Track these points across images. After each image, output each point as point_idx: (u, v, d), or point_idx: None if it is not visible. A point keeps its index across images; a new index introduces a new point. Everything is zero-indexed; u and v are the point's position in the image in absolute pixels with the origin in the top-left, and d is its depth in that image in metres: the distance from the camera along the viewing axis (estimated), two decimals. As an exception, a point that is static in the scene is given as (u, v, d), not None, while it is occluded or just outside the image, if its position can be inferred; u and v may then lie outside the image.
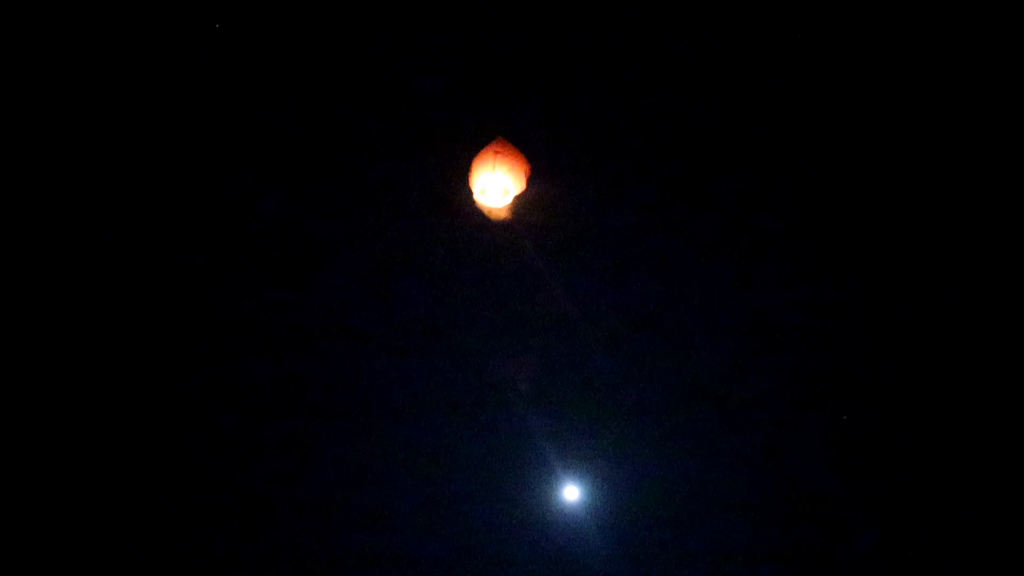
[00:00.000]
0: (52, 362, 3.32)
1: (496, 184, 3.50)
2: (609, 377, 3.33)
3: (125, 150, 3.61)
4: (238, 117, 3.67)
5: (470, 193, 3.56)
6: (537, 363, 3.35)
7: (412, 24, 3.77)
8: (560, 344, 3.38)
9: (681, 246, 3.51)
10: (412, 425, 3.29)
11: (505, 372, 3.34)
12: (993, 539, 3.09)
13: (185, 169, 3.62)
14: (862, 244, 3.46)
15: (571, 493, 3.21)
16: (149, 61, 3.68)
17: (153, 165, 3.61)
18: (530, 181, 3.57)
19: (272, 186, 3.59)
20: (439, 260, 3.50)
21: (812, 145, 3.62)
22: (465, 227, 3.56)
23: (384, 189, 3.59)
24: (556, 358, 3.36)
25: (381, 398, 3.32)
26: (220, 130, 3.66)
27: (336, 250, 3.51)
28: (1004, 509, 3.12)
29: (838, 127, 3.63)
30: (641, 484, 3.20)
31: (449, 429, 3.28)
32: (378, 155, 3.64)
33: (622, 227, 3.54)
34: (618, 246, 3.51)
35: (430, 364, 3.36)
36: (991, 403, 3.23)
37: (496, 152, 3.49)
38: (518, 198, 3.58)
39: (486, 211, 3.58)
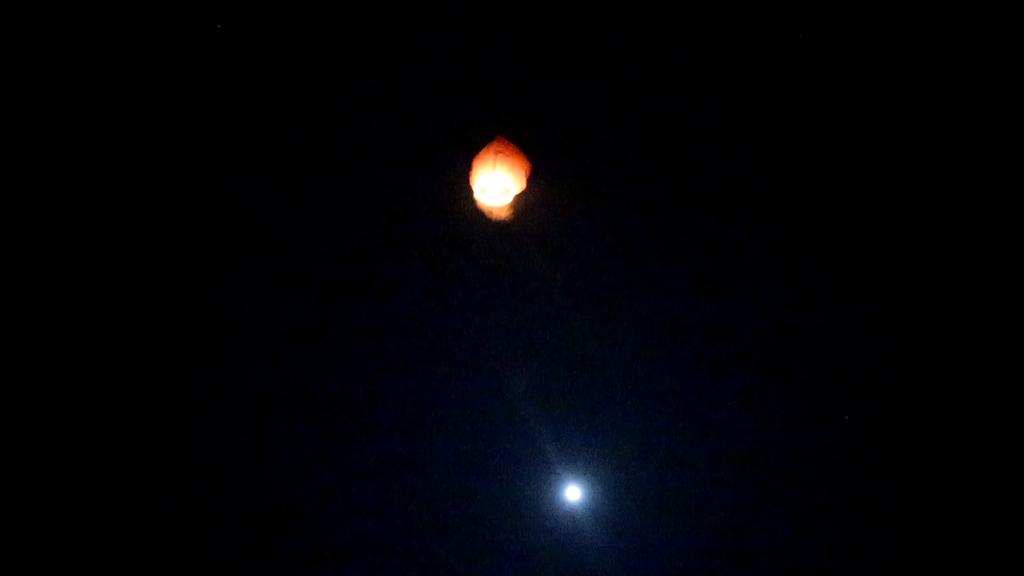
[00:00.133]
0: (52, 362, 3.32)
1: (497, 183, 3.50)
2: (611, 377, 3.32)
3: (125, 150, 3.62)
4: (238, 117, 3.67)
5: (471, 192, 3.56)
6: (538, 362, 3.35)
7: (412, 24, 3.77)
8: (561, 343, 3.37)
9: (683, 245, 3.51)
10: (412, 424, 3.28)
11: (506, 371, 3.33)
12: (993, 539, 3.09)
13: (185, 169, 3.62)
14: (863, 249, 3.46)
15: (573, 493, 3.21)
16: (149, 61, 3.68)
17: (153, 165, 3.61)
18: (531, 180, 3.58)
19: (272, 186, 3.59)
20: (439, 259, 3.49)
21: (814, 146, 3.62)
22: (465, 226, 3.56)
23: (384, 188, 3.59)
24: (557, 357, 3.36)
25: (381, 397, 3.32)
26: (220, 130, 3.66)
27: (336, 250, 3.51)
28: (1004, 510, 3.11)
29: (840, 128, 3.63)
30: (643, 483, 3.20)
31: (449, 428, 3.27)
32: (378, 154, 3.64)
33: (623, 226, 3.54)
34: (619, 245, 3.51)
35: (430, 364, 3.36)
36: (992, 406, 3.23)
37: (497, 151, 3.49)
38: (519, 197, 3.58)
39: (486, 210, 3.58)
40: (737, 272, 3.46)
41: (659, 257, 3.51)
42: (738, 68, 3.73)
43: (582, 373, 3.33)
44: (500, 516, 3.16)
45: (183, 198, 3.58)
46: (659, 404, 3.29)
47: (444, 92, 3.73)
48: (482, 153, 3.53)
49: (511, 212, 3.58)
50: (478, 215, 3.57)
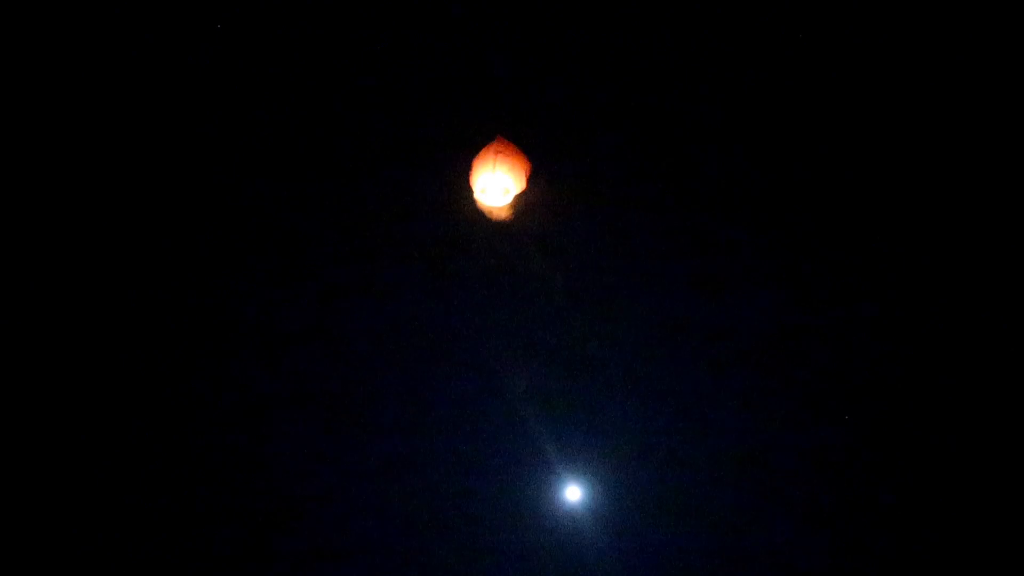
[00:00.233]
0: (52, 362, 3.32)
1: (497, 183, 3.50)
2: (610, 376, 3.32)
3: (125, 150, 3.62)
4: (238, 117, 3.67)
5: (471, 192, 3.56)
6: (538, 362, 3.35)
7: (412, 24, 3.77)
8: (561, 343, 3.37)
9: (682, 245, 3.51)
10: (412, 424, 3.28)
11: (506, 371, 3.33)
12: (993, 539, 3.09)
13: (185, 169, 3.62)
14: (863, 249, 3.46)
15: (573, 493, 3.20)
16: (149, 61, 3.68)
17: (153, 165, 3.61)
18: (531, 180, 3.58)
19: (272, 186, 3.59)
20: (439, 259, 3.49)
21: (814, 146, 3.62)
22: (465, 226, 3.56)
23: (384, 188, 3.59)
24: (557, 357, 3.36)
25: (381, 397, 3.32)
26: (220, 130, 3.66)
27: (336, 250, 3.51)
28: (1004, 510, 3.11)
29: (840, 128, 3.63)
30: (643, 483, 3.20)
31: (449, 428, 3.27)
32: (378, 154, 3.64)
33: (623, 226, 3.54)
34: (619, 245, 3.51)
35: (430, 363, 3.36)
36: (992, 406, 3.23)
37: (497, 151, 3.49)
38: (519, 197, 3.58)
39: (487, 210, 3.58)
40: (737, 272, 3.46)
41: (659, 257, 3.51)
42: (738, 68, 3.73)
43: (582, 373, 3.33)
44: (500, 516, 3.16)
45: (183, 198, 3.58)
46: (659, 404, 3.29)
47: (444, 92, 3.73)
48: (482, 153, 3.53)
49: (511, 212, 3.58)
50: (478, 215, 3.57)
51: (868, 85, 3.67)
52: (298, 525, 3.15)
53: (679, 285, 3.45)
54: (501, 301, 3.44)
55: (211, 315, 3.42)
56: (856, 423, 3.25)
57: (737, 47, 3.75)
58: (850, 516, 3.14)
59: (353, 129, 3.67)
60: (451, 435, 3.27)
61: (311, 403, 3.31)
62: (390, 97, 3.71)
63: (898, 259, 3.43)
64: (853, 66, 3.69)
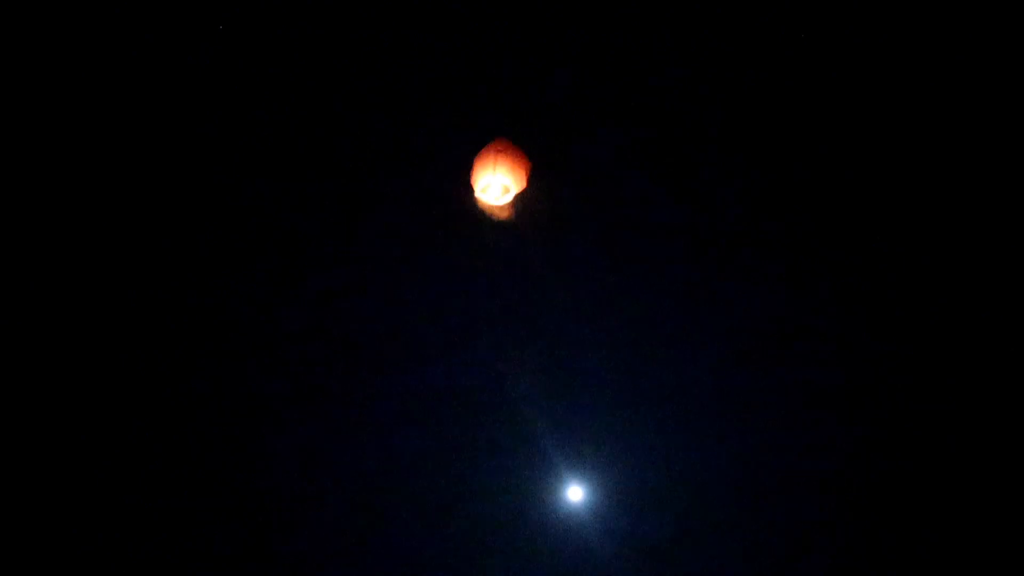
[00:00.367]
0: (52, 362, 3.31)
1: (497, 182, 3.50)
2: (610, 374, 3.32)
3: (126, 150, 3.61)
4: (238, 117, 3.67)
5: (471, 191, 3.56)
6: (538, 360, 3.35)
7: (412, 24, 3.77)
8: (561, 342, 3.37)
9: (682, 244, 3.52)
10: (412, 424, 3.28)
11: (506, 370, 3.33)
12: (993, 539, 3.09)
13: (185, 169, 3.62)
14: (864, 248, 3.46)
15: (575, 493, 3.20)
16: (149, 61, 3.68)
17: (154, 165, 3.61)
18: (531, 179, 3.58)
19: (272, 186, 3.59)
20: (439, 258, 3.50)
21: (814, 146, 3.62)
22: (466, 225, 3.56)
23: (384, 187, 3.59)
24: (557, 356, 3.36)
25: (380, 397, 3.31)
26: (220, 130, 3.66)
27: (336, 249, 3.51)
28: (1005, 509, 3.11)
29: (840, 128, 3.64)
30: (644, 481, 3.19)
31: (449, 428, 3.27)
32: (378, 153, 3.64)
33: (623, 226, 3.54)
34: (618, 244, 3.51)
35: (430, 362, 3.36)
36: (993, 405, 3.23)
37: (497, 151, 3.49)
38: (519, 196, 3.58)
39: (487, 209, 3.58)
40: (737, 271, 3.46)
41: (658, 256, 3.51)
42: (738, 68, 3.74)
43: (582, 371, 3.33)
44: (500, 516, 3.16)
45: (183, 198, 3.58)
46: (659, 403, 3.29)
47: (445, 92, 3.73)
48: (483, 152, 3.53)
49: (511, 211, 3.58)
50: (478, 214, 3.58)
51: (868, 85, 3.67)
52: (297, 524, 3.15)
53: (679, 284, 3.46)
54: (501, 299, 3.44)
55: (211, 315, 3.41)
56: (856, 422, 3.25)
57: (737, 47, 3.76)
58: (851, 515, 3.14)
59: (353, 129, 3.67)
60: (451, 434, 3.27)
61: (310, 403, 3.31)
62: (390, 97, 3.71)
63: (898, 259, 3.44)
64: (853, 66, 3.69)
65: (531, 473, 3.22)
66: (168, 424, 3.26)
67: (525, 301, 3.43)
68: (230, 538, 3.12)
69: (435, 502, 3.18)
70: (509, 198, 3.57)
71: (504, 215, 3.58)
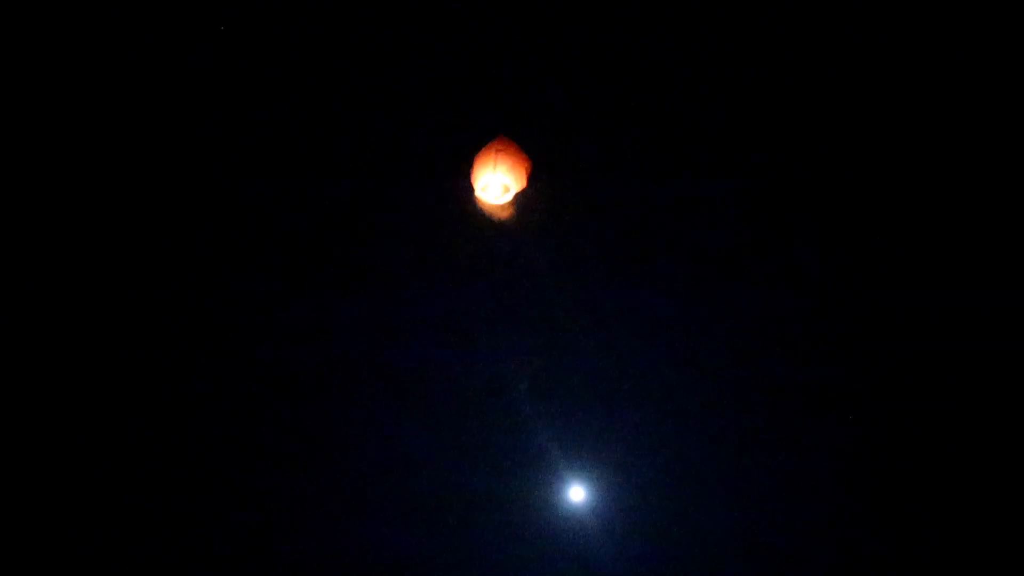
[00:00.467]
0: (52, 362, 3.31)
1: (497, 181, 3.50)
2: (610, 374, 3.32)
3: (126, 150, 3.62)
4: (238, 117, 3.67)
5: (471, 190, 3.56)
6: (538, 361, 3.34)
7: (412, 24, 3.78)
8: (560, 341, 3.37)
9: (682, 244, 3.51)
10: (412, 423, 3.28)
11: (506, 370, 3.33)
12: (993, 539, 3.08)
13: (185, 169, 3.62)
14: (864, 248, 3.46)
15: (576, 493, 3.20)
16: (149, 61, 3.68)
17: (154, 165, 3.61)
18: (531, 178, 3.58)
19: (272, 186, 3.59)
20: (439, 257, 3.49)
21: (814, 145, 3.62)
22: (465, 224, 3.56)
23: (385, 186, 3.59)
24: (556, 355, 3.35)
25: (380, 396, 3.31)
26: (220, 130, 3.66)
27: (336, 249, 3.51)
28: (1005, 509, 3.11)
29: (840, 128, 3.64)
30: (645, 482, 3.19)
31: (449, 427, 3.27)
32: (378, 153, 3.64)
33: (623, 225, 3.54)
34: (618, 244, 3.51)
35: (430, 362, 3.35)
36: (994, 405, 3.23)
37: (497, 150, 3.49)
38: (519, 195, 3.58)
39: (486, 208, 3.58)
40: (738, 270, 3.46)
41: (659, 256, 3.51)
42: (738, 68, 3.74)
43: (582, 371, 3.33)
44: (501, 516, 3.15)
45: (183, 198, 3.58)
46: (660, 403, 3.28)
47: (445, 91, 3.73)
48: (483, 151, 3.53)
49: (511, 210, 3.58)
50: (478, 213, 3.58)
51: (868, 85, 3.67)
52: (296, 524, 3.15)
53: (679, 283, 3.45)
54: (501, 298, 3.44)
55: (211, 315, 3.41)
56: (859, 422, 3.24)
57: (737, 47, 3.76)
58: (853, 515, 3.13)
59: (353, 129, 3.67)
60: (451, 434, 3.27)
61: (310, 403, 3.30)
62: (390, 97, 3.71)
63: (898, 259, 3.44)
64: (853, 66, 3.69)
65: (532, 474, 3.21)
66: (168, 424, 3.25)
67: (525, 300, 3.43)
68: (230, 538, 3.12)
69: (435, 503, 3.18)
70: (509, 197, 3.57)
71: (504, 214, 3.58)
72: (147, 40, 3.68)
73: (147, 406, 3.28)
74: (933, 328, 3.33)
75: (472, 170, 3.54)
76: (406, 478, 3.21)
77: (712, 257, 3.49)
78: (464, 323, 3.40)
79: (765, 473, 3.20)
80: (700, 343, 3.36)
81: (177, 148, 3.64)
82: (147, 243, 3.50)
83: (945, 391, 3.25)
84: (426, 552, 3.11)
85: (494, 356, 3.35)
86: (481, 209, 3.59)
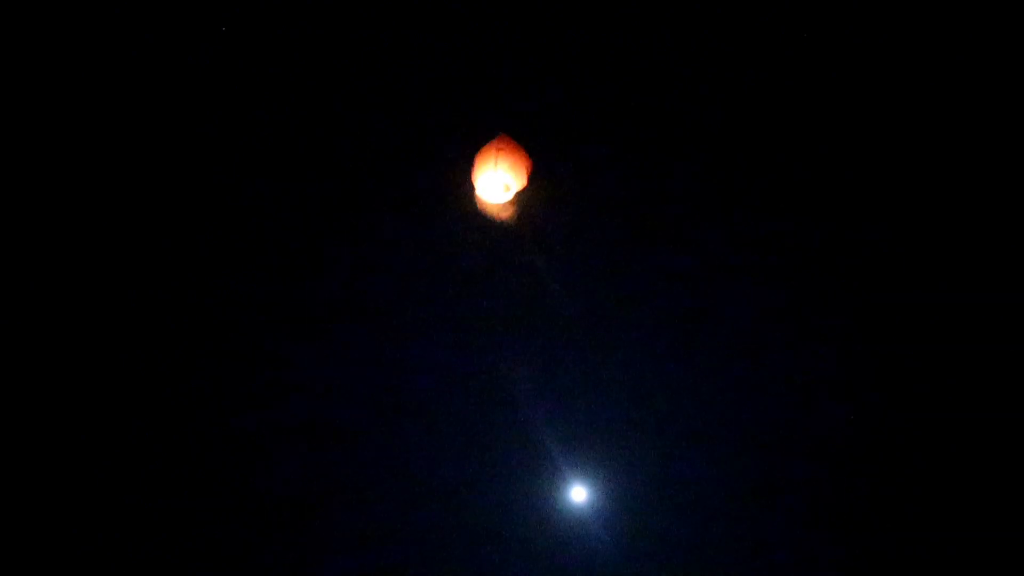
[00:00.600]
0: (52, 362, 3.30)
1: (497, 180, 3.50)
2: (613, 373, 3.31)
3: (126, 150, 3.62)
4: (238, 117, 3.68)
5: (472, 189, 3.57)
6: (538, 359, 3.34)
7: (412, 24, 3.79)
8: (560, 340, 3.37)
9: (683, 243, 3.52)
10: (412, 423, 3.27)
11: (505, 369, 3.32)
12: (994, 539, 3.08)
13: (185, 169, 3.62)
14: (865, 248, 3.47)
15: (578, 493, 3.19)
16: (149, 61, 3.69)
17: (154, 165, 3.61)
18: (531, 177, 3.58)
19: (272, 185, 3.60)
20: (439, 255, 3.49)
21: (814, 145, 3.63)
22: (466, 223, 3.56)
23: (385, 185, 3.60)
24: (557, 354, 3.35)
25: (380, 396, 3.30)
26: (220, 130, 3.67)
27: (336, 248, 3.51)
28: (1005, 510, 3.11)
29: (841, 128, 3.65)
30: (648, 482, 3.18)
31: (450, 427, 3.26)
32: (379, 152, 3.65)
33: (623, 224, 3.55)
34: (618, 243, 3.52)
35: (429, 361, 3.35)
36: (994, 405, 3.23)
37: (498, 148, 3.50)
38: (519, 194, 3.58)
39: (487, 207, 3.59)
40: (739, 270, 3.47)
41: (659, 255, 3.51)
42: (738, 68, 3.75)
43: (583, 371, 3.33)
44: (502, 517, 3.15)
45: (184, 198, 3.58)
46: (661, 402, 3.28)
47: (446, 91, 3.74)
48: (484, 150, 3.53)
49: (511, 209, 3.58)
50: (478, 211, 3.58)
51: (868, 85, 3.68)
52: (296, 524, 3.13)
53: (678, 282, 3.46)
54: (501, 297, 3.43)
55: (211, 315, 3.41)
56: (863, 421, 3.24)
57: (737, 47, 3.77)
58: (858, 516, 3.13)
59: (353, 128, 3.68)
60: (451, 435, 3.26)
61: (310, 402, 3.29)
62: (391, 96, 3.72)
63: (899, 259, 3.44)
64: (853, 66, 3.71)
65: (533, 474, 3.20)
66: (168, 424, 3.24)
67: (526, 299, 3.43)
68: (230, 538, 3.11)
69: (435, 503, 3.16)
70: (509, 196, 3.57)
71: (504, 213, 3.58)
72: (147, 40, 3.69)
73: (147, 406, 3.27)
74: (934, 328, 3.33)
75: (473, 168, 3.55)
76: (406, 479, 3.20)
77: (713, 256, 3.49)
78: (464, 321, 3.40)
79: (766, 473, 3.19)
80: (702, 342, 3.36)
81: (177, 148, 3.64)
82: (147, 243, 3.50)
83: (945, 391, 3.25)
84: (426, 553, 3.10)
85: (495, 355, 3.35)
86: (482, 208, 3.59)
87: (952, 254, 3.43)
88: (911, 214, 3.50)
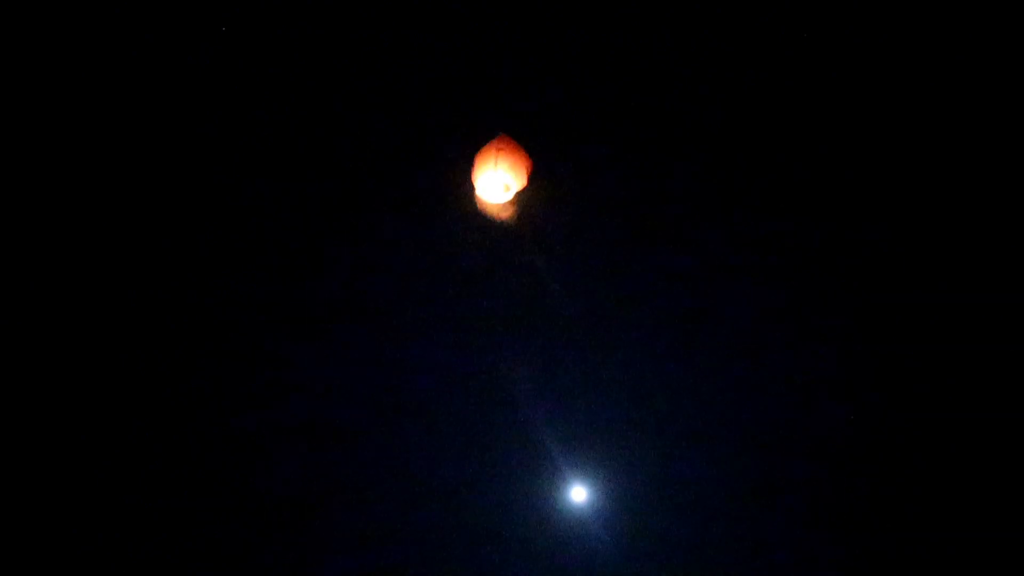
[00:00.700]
0: (52, 362, 3.30)
1: (497, 180, 3.50)
2: (613, 373, 3.31)
3: (126, 150, 3.62)
4: (238, 117, 3.68)
5: (472, 189, 3.57)
6: (538, 359, 3.34)
7: (412, 24, 3.78)
8: (560, 340, 3.37)
9: (682, 243, 3.52)
10: (412, 423, 3.27)
11: (505, 369, 3.32)
12: (994, 539, 3.08)
13: (185, 169, 3.62)
14: (865, 248, 3.47)
15: (578, 493, 3.19)
16: (149, 61, 3.69)
17: (154, 165, 3.61)
18: (531, 177, 3.58)
19: (273, 185, 3.60)
20: (439, 255, 3.49)
21: (814, 145, 3.63)
22: (466, 223, 3.56)
23: (385, 185, 3.60)
24: (557, 354, 3.35)
25: (380, 396, 3.30)
26: (220, 130, 3.66)
27: (337, 248, 3.51)
28: (1006, 510, 3.10)
29: (841, 128, 3.64)
30: (648, 482, 3.18)
31: (450, 427, 3.26)
32: (379, 153, 3.65)
33: (623, 224, 3.55)
34: (618, 243, 3.52)
35: (429, 361, 3.35)
36: (995, 404, 3.23)
37: (498, 148, 3.50)
38: (519, 194, 3.58)
39: (487, 207, 3.59)
40: (739, 270, 3.46)
41: (659, 255, 3.51)
42: (738, 68, 3.75)
43: (584, 371, 3.33)
44: (502, 517, 3.14)
45: (184, 198, 3.58)
46: (661, 402, 3.28)
47: (446, 91, 3.74)
48: (484, 150, 3.53)
49: (511, 209, 3.58)
50: (478, 211, 3.58)
51: (868, 85, 3.68)
52: (296, 524, 3.13)
53: (678, 282, 3.45)
54: (501, 297, 3.43)
55: (211, 315, 3.41)
56: (868, 421, 3.24)
57: (737, 47, 3.77)
58: (862, 516, 3.13)
59: (353, 128, 3.68)
60: (451, 435, 3.26)
61: (310, 402, 3.29)
62: (391, 96, 3.72)
63: (899, 258, 3.44)
64: (854, 66, 3.70)
65: (533, 474, 3.20)
66: (168, 424, 3.24)
67: (526, 298, 3.43)
68: (230, 538, 3.11)
69: (435, 503, 3.16)
70: (509, 196, 3.57)
71: (504, 213, 3.58)
72: (147, 40, 3.69)
73: (147, 406, 3.27)
74: (934, 328, 3.33)
75: (473, 169, 3.55)
76: (406, 479, 3.20)
77: (713, 256, 3.49)
78: (464, 321, 3.40)
79: (766, 473, 3.19)
80: (702, 342, 3.36)
81: (177, 148, 3.64)
82: (147, 243, 3.50)
83: (945, 391, 3.25)
84: (426, 552, 3.10)
85: (494, 354, 3.35)
86: (482, 208, 3.59)
87: (952, 254, 3.43)
88: (911, 214, 3.50)
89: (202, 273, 3.47)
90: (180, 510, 3.11)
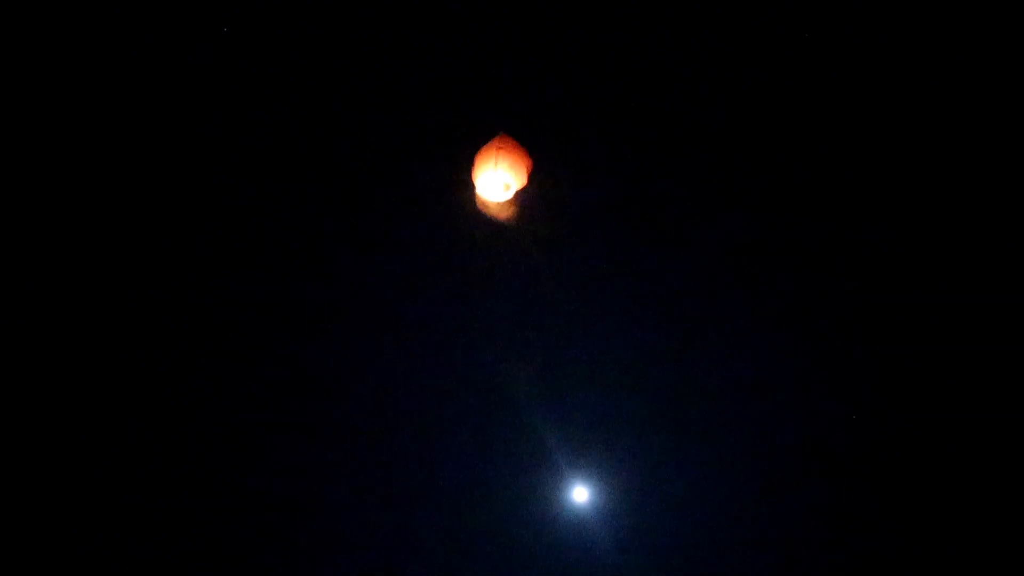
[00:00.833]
0: (52, 362, 3.30)
1: (497, 179, 3.50)
2: (614, 373, 3.31)
3: (126, 150, 3.61)
4: (238, 117, 3.67)
5: (472, 188, 3.57)
6: (537, 359, 3.34)
7: (412, 24, 3.78)
8: (564, 339, 3.37)
9: (683, 243, 3.52)
10: (412, 423, 3.27)
11: (505, 368, 3.32)
12: (994, 540, 3.08)
13: (185, 169, 3.62)
14: (865, 247, 3.46)
15: (578, 493, 3.19)
16: (149, 61, 3.68)
17: (154, 165, 3.61)
18: (531, 177, 3.58)
19: (273, 185, 3.59)
20: (439, 255, 3.49)
21: (815, 146, 3.63)
22: (465, 222, 3.56)
23: (385, 185, 3.60)
24: (560, 354, 3.35)
25: (380, 396, 3.31)
26: (220, 130, 3.66)
27: (337, 248, 3.51)
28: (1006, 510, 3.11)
29: (841, 128, 3.64)
30: (650, 482, 3.19)
31: (450, 427, 3.26)
32: (379, 151, 3.65)
33: (623, 224, 3.54)
34: (619, 243, 3.51)
35: (429, 360, 3.35)
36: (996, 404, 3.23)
37: (499, 147, 3.49)
38: (519, 194, 3.58)
39: (487, 206, 3.58)
40: (740, 269, 3.46)
41: (659, 255, 3.51)
42: (738, 68, 3.74)
43: (585, 371, 3.33)
44: (503, 517, 3.15)
45: (183, 198, 3.58)
46: (662, 401, 3.28)
47: (446, 91, 3.73)
48: (484, 150, 3.53)
49: (511, 208, 3.58)
50: (478, 211, 3.58)
51: (868, 85, 3.68)
52: (296, 524, 3.14)
53: (679, 282, 3.45)
54: (500, 297, 3.43)
55: (211, 315, 3.41)
56: (875, 420, 3.24)
57: (737, 47, 3.76)
58: (866, 516, 3.13)
59: (353, 128, 3.68)
60: (452, 435, 3.27)
61: (309, 402, 3.29)
62: (391, 96, 3.72)
63: (899, 258, 3.44)
64: (854, 66, 3.70)
65: (534, 474, 3.21)
66: (168, 424, 3.25)
67: (524, 299, 3.43)
68: (230, 538, 3.11)
69: (435, 503, 3.17)
70: (510, 195, 3.57)
71: (504, 212, 3.58)
72: (147, 40, 3.68)
73: (147, 406, 3.27)
74: (934, 328, 3.33)
75: (473, 168, 3.54)
76: (406, 479, 3.20)
77: (714, 255, 3.49)
78: (464, 321, 3.40)
79: (766, 473, 3.19)
80: (703, 341, 3.36)
81: (177, 148, 3.63)
82: (147, 243, 3.50)
83: (945, 391, 3.25)
84: (426, 552, 3.10)
85: (495, 355, 3.35)
86: (482, 207, 3.59)
87: (952, 254, 3.43)
88: (911, 214, 3.50)
89: (202, 273, 3.46)
90: (180, 510, 3.12)
